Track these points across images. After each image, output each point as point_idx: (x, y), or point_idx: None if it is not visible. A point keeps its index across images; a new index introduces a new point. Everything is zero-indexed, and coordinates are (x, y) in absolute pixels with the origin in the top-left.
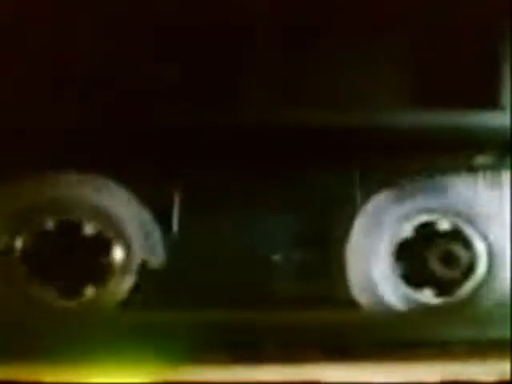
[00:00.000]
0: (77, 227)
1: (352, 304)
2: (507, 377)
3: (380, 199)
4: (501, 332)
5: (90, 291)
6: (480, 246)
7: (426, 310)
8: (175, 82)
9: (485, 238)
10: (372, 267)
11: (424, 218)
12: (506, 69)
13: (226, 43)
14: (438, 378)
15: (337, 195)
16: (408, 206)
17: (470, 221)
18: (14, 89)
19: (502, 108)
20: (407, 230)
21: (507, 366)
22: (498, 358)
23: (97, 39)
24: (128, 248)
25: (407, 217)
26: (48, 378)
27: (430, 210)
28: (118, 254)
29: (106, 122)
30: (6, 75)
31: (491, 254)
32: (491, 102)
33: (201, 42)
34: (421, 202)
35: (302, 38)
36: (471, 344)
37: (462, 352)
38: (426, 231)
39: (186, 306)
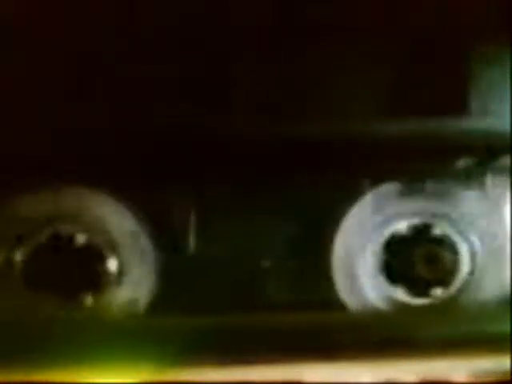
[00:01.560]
0: (73, 239)
1: (338, 305)
2: (488, 376)
3: (366, 202)
4: (485, 331)
5: (86, 301)
6: (463, 248)
7: (409, 310)
8: (172, 93)
9: (468, 239)
10: (358, 268)
11: (408, 220)
12: (479, 76)
13: (225, 55)
14: (419, 378)
15: (324, 202)
16: (392, 210)
17: (456, 224)
18: (13, 102)
19: (488, 114)
20: (393, 232)
21: (488, 365)
22: (482, 356)
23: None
24: (121, 259)
25: (392, 220)
26: (47, 379)
27: (414, 213)
28: (112, 265)
29: (102, 133)
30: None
31: (474, 256)
32: (468, 108)
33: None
34: (404, 205)
35: (299, 49)
36: (454, 344)
37: (445, 352)
38: (410, 233)
39: (179, 310)
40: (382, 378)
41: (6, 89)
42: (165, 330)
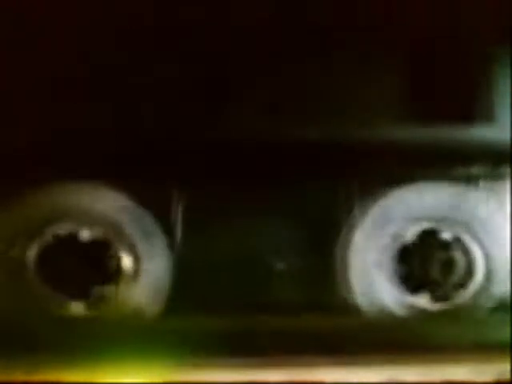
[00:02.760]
0: (84, 236)
1: (352, 309)
2: (503, 380)
3: (379, 207)
4: (498, 336)
5: (97, 297)
6: (477, 253)
7: (424, 315)
8: (173, 93)
9: (482, 244)
10: (373, 273)
11: (423, 225)
12: (497, 83)
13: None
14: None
15: (337, 204)
16: (404, 215)
17: (468, 229)
18: (26, 97)
19: (494, 121)
20: (407, 237)
21: (503, 369)
22: (495, 361)
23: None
24: (134, 255)
25: (406, 224)
26: (49, 378)
27: (428, 218)
28: (125, 260)
29: (114, 133)
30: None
31: (488, 261)
32: (483, 115)
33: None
34: (419, 210)
35: (298, 52)
36: (469, 348)
37: (460, 356)
38: (425, 238)
39: (188, 310)
40: (393, 381)
41: (9, 89)
42: (178, 331)
